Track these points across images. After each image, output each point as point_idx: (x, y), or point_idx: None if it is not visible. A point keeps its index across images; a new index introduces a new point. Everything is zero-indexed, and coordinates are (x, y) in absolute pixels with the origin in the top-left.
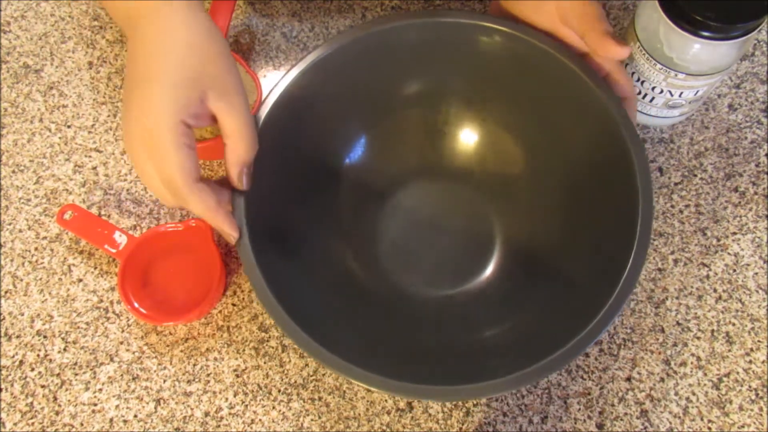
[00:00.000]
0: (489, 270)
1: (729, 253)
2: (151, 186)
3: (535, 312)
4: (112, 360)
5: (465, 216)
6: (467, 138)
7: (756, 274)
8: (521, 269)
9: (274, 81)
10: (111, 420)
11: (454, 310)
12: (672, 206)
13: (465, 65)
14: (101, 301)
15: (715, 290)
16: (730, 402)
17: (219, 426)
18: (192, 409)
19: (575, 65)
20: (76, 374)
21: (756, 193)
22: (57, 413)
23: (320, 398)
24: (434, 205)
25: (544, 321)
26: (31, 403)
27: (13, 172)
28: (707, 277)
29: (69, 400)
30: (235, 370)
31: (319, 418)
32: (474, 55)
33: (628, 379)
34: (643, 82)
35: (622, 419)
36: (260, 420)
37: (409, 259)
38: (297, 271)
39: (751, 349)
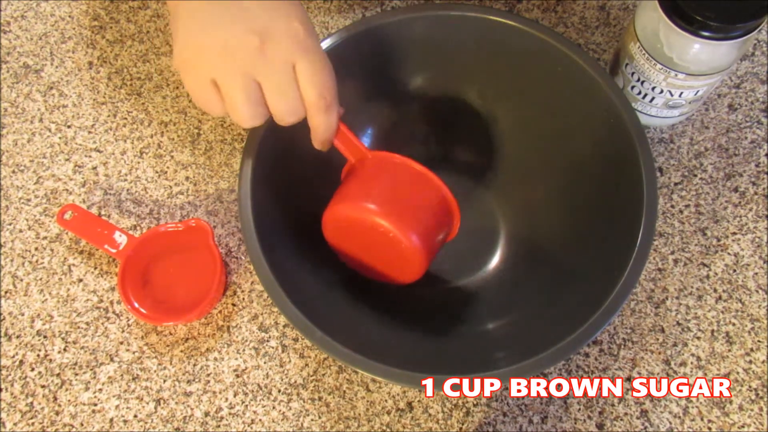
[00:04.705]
0: (493, 263)
1: (729, 253)
2: (289, 93)
3: (537, 306)
4: (112, 360)
5: (470, 209)
6: (473, 132)
7: (756, 274)
8: (524, 263)
9: None
10: (111, 420)
11: (458, 303)
12: (672, 206)
13: (472, 59)
14: (101, 301)
15: (715, 290)
16: (730, 402)
17: (219, 426)
18: (192, 409)
19: (582, 60)
20: (76, 374)
21: (756, 193)
22: (57, 413)
23: (320, 398)
24: None
25: (545, 315)
26: (31, 403)
27: (13, 172)
28: (707, 277)
29: (69, 400)
30: (235, 370)
31: (319, 418)
32: (481, 49)
33: (628, 379)
34: (643, 82)
35: (622, 419)
36: (260, 420)
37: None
38: (303, 265)
39: (751, 349)
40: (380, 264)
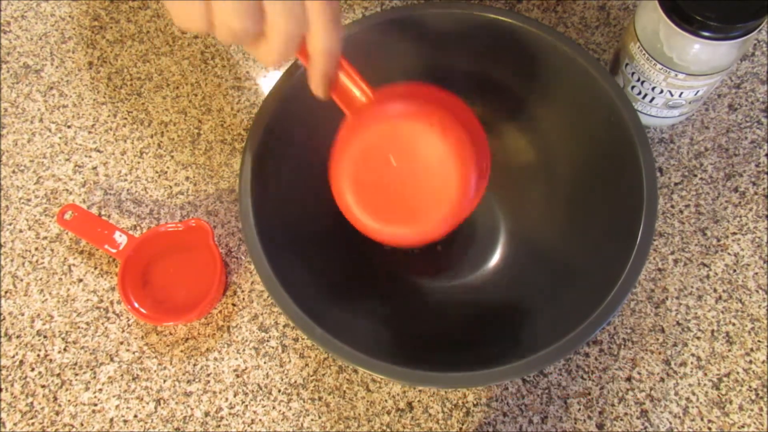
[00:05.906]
0: (493, 262)
1: (729, 253)
2: None
3: (536, 304)
4: (112, 360)
5: None
6: None
7: (756, 274)
8: (524, 262)
9: (275, 80)
10: (111, 420)
11: (457, 301)
12: (672, 206)
13: (472, 58)
14: (101, 301)
15: (715, 290)
16: (730, 402)
17: (219, 426)
18: (192, 409)
19: (583, 59)
20: (76, 374)
21: (756, 193)
22: (57, 413)
23: (320, 398)
24: None
25: (544, 313)
26: (31, 403)
27: (13, 172)
28: (707, 277)
29: (69, 400)
30: (235, 370)
31: (319, 418)
32: (480, 48)
33: (628, 379)
34: (643, 82)
35: (622, 419)
36: (260, 420)
37: (414, 249)
38: (303, 264)
39: (751, 349)
40: (408, 201)
